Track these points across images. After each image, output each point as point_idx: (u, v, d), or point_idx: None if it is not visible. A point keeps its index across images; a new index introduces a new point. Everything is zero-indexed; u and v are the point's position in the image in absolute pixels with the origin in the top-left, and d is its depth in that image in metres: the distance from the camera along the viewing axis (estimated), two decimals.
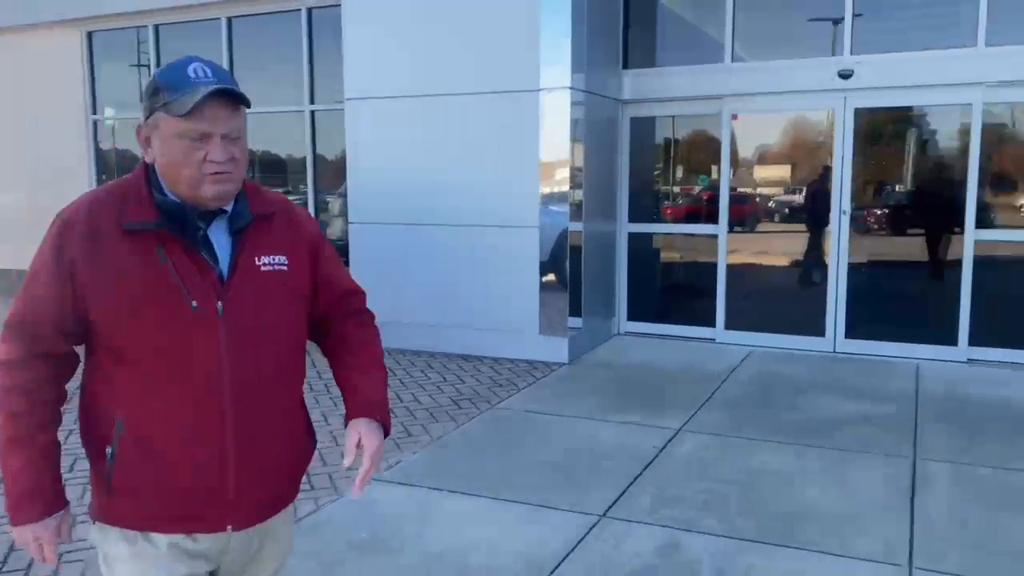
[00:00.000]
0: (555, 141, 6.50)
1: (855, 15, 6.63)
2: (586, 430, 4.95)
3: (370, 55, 7.06)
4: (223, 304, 1.62)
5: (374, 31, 7.04)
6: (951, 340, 6.54)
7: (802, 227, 7.16)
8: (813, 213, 7.06)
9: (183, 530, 1.67)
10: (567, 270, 6.62)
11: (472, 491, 4.03)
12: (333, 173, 8.32)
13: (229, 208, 1.66)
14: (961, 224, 6.48)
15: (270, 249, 1.70)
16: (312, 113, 8.22)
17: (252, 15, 8.39)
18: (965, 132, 6.45)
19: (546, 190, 6.57)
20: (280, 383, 1.73)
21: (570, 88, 6.41)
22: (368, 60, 7.08)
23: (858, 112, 6.71)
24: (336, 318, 1.88)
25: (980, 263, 6.46)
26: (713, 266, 7.33)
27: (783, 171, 7.26)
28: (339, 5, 7.22)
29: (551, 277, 6.65)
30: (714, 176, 7.36)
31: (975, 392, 5.67)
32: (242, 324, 1.64)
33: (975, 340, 6.49)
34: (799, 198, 7.19)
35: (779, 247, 7.28)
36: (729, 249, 7.28)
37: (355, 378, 1.85)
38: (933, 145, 6.80)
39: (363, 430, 1.77)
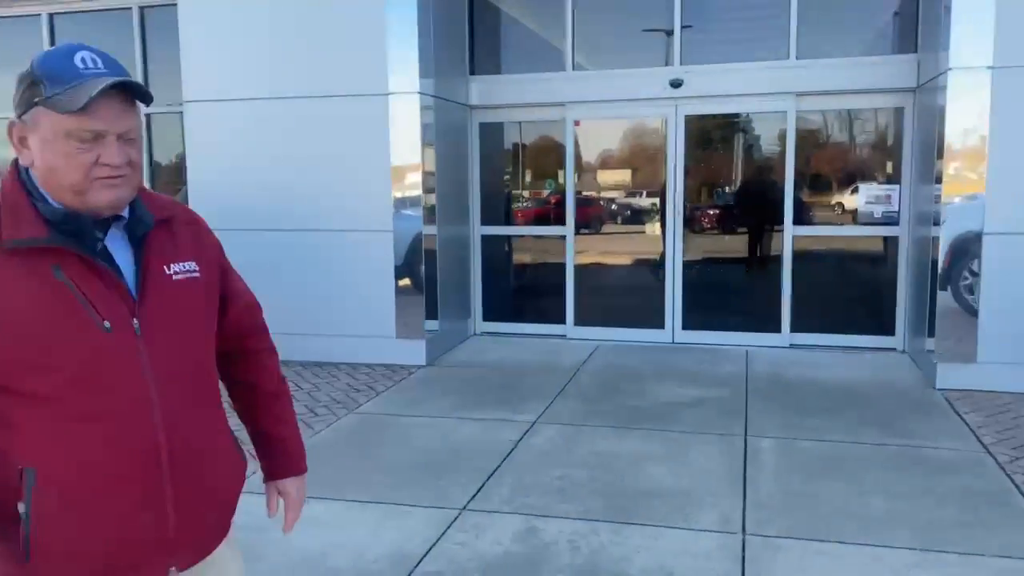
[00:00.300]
0: (406, 146, 6.56)
1: (684, 27, 7.13)
2: (445, 429, 5.05)
3: (210, 56, 6.84)
4: (140, 322, 1.43)
5: (214, 31, 6.82)
6: (775, 328, 7.17)
7: (642, 227, 7.60)
8: (650, 213, 7.51)
9: None
10: (422, 273, 6.70)
11: (333, 496, 4.03)
12: (170, 178, 7.98)
13: (125, 214, 1.48)
14: (781, 222, 7.10)
15: (178, 256, 1.53)
16: (147, 116, 7.84)
17: (77, 12, 7.89)
18: (782, 137, 7.09)
19: (399, 194, 6.62)
20: (208, 402, 1.58)
21: (419, 93, 6.49)
22: (208, 61, 6.84)
23: (688, 119, 7.21)
24: (244, 335, 1.75)
25: (798, 257, 7.11)
26: (562, 266, 7.64)
27: (624, 175, 7.68)
28: (175, 4, 6.94)
29: (406, 281, 6.70)
30: (561, 180, 7.68)
31: (796, 374, 6.24)
32: (164, 342, 1.46)
33: (796, 327, 7.14)
34: (640, 200, 7.63)
35: (622, 247, 7.69)
36: (576, 250, 7.61)
37: (274, 427, 1.77)
38: (756, 150, 7.43)
39: (287, 488, 1.78)
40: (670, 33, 7.18)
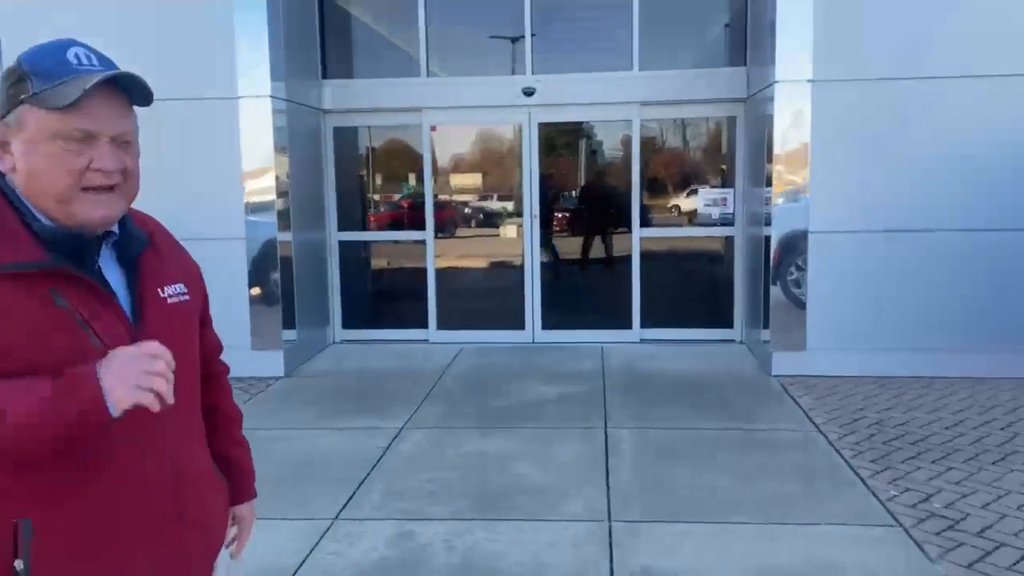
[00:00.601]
0: (258, 150, 6.37)
1: (534, 36, 7.35)
2: (310, 440, 4.95)
3: None
4: None
5: (47, 28, 6.33)
6: (627, 324, 7.53)
7: (500, 231, 7.76)
8: (508, 217, 7.70)
9: None
10: (278, 282, 6.52)
11: None
12: None
13: (115, 229, 1.36)
14: (629, 224, 7.47)
15: (168, 277, 1.42)
16: None
17: None
18: (628, 144, 7.46)
19: (251, 201, 6.42)
20: (200, 430, 1.52)
21: (271, 96, 6.32)
22: None
23: (542, 126, 7.44)
24: (210, 358, 1.66)
25: (645, 257, 7.51)
26: (423, 271, 7.66)
27: (482, 180, 7.82)
28: None
29: (261, 290, 6.51)
30: (419, 185, 7.70)
31: (648, 367, 6.59)
32: None
33: (645, 323, 7.53)
34: (497, 204, 7.79)
35: (481, 250, 7.82)
36: (436, 254, 7.66)
37: (233, 451, 1.71)
38: (605, 156, 7.78)
39: (243, 513, 1.71)
40: (515, 41, 7.38)
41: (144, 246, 1.40)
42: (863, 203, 6.11)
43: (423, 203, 7.61)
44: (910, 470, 4.29)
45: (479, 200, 7.81)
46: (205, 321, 1.63)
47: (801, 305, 6.27)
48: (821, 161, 6.10)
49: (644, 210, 7.49)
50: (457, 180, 7.80)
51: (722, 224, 7.45)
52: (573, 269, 7.79)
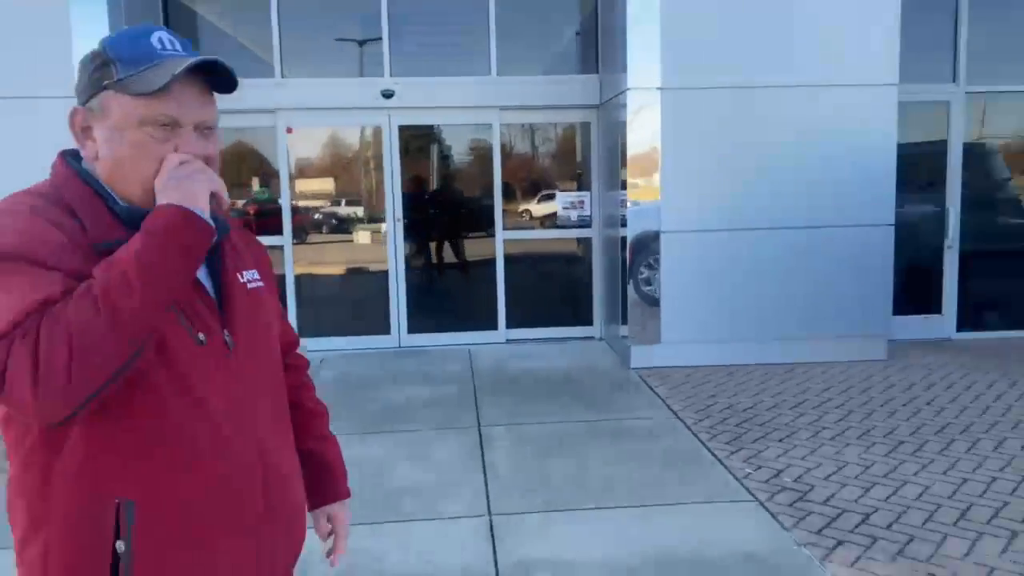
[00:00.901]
0: None
1: (392, 39, 7.32)
2: None
3: None
4: (230, 334, 1.31)
5: None
6: (493, 325, 7.65)
7: (362, 235, 7.67)
8: (370, 221, 7.62)
9: None
10: None
11: None
12: None
13: None
14: (493, 227, 7.60)
15: (244, 263, 1.41)
16: None
17: None
18: (489, 148, 7.59)
19: None
20: (287, 421, 1.49)
21: None
22: None
23: (402, 129, 7.42)
24: (286, 349, 1.62)
25: (509, 259, 7.66)
26: (280, 277, 7.43)
27: (341, 183, 7.69)
28: None
29: None
30: (274, 188, 7.47)
31: (515, 366, 6.73)
32: (251, 356, 1.35)
33: (510, 323, 7.68)
34: (358, 208, 7.68)
35: (342, 255, 7.69)
36: (295, 259, 7.46)
37: (318, 447, 1.64)
38: (467, 159, 7.86)
39: (336, 512, 1.66)
40: (372, 43, 7.33)
41: (226, 232, 1.38)
42: (709, 204, 6.53)
43: (279, 208, 7.39)
44: (761, 449, 4.64)
45: (339, 204, 7.68)
46: (276, 310, 1.60)
47: (655, 302, 6.61)
48: (671, 165, 6.47)
49: (507, 213, 7.64)
50: (316, 183, 7.63)
51: (580, 226, 7.73)
52: (438, 272, 7.82)
